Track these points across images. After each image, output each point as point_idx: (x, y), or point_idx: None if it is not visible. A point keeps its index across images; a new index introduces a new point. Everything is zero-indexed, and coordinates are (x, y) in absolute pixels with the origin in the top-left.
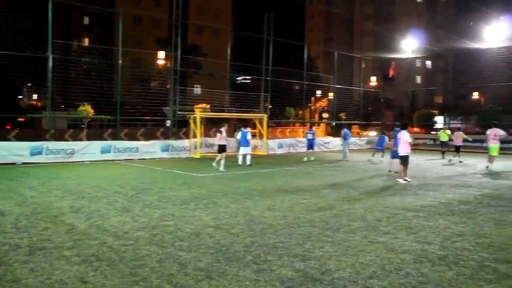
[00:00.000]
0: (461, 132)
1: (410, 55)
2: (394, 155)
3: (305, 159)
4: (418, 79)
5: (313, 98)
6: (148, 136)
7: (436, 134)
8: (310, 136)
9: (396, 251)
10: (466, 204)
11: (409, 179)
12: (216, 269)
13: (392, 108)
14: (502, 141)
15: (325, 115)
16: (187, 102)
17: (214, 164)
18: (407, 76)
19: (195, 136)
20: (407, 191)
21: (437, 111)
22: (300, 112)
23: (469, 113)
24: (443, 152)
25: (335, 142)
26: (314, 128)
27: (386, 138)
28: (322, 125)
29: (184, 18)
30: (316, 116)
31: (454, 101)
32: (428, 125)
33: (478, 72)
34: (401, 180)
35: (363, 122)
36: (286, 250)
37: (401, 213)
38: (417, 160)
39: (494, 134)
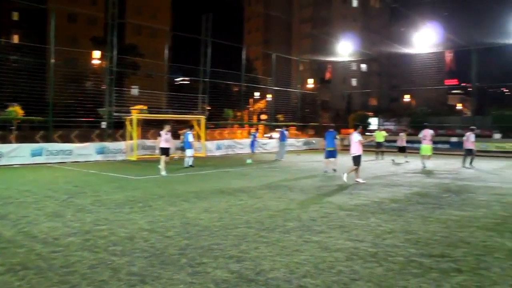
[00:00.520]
0: (403, 134)
1: (346, 59)
2: (329, 155)
3: (248, 160)
4: (354, 82)
5: (251, 100)
6: (83, 138)
7: (371, 135)
8: (253, 138)
9: (329, 250)
10: (396, 202)
11: (362, 181)
12: (150, 273)
13: (329, 110)
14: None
15: (263, 116)
16: (123, 103)
17: (159, 166)
18: (343, 78)
19: (131, 138)
20: (341, 191)
21: (371, 113)
22: (239, 113)
23: (401, 115)
24: (377, 153)
25: (273, 143)
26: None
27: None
28: (261, 127)
29: (121, 17)
30: (255, 117)
31: (387, 104)
32: (363, 127)
33: (409, 76)
34: (360, 180)
35: (300, 124)
36: (221, 251)
37: (335, 213)
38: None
39: (424, 135)
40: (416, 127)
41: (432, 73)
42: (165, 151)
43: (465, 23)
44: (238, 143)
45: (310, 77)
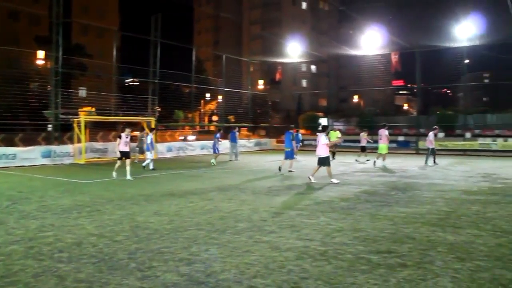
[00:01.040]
0: (364, 133)
1: (296, 60)
2: (288, 156)
3: (213, 161)
4: (304, 83)
5: (202, 101)
6: (28, 142)
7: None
8: (216, 139)
9: (279, 250)
10: (346, 201)
11: (336, 181)
12: (98, 279)
13: (280, 111)
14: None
15: (214, 118)
16: (71, 105)
17: (127, 169)
18: (293, 79)
19: (80, 141)
20: (292, 191)
21: (321, 114)
22: (190, 115)
23: (350, 115)
24: (333, 153)
25: (225, 144)
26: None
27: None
28: (212, 128)
29: (67, 16)
30: (206, 119)
31: (337, 104)
32: (313, 127)
33: (357, 77)
34: (334, 180)
35: (251, 125)
36: (171, 255)
37: (286, 212)
38: (304, 161)
39: (381, 135)
40: (364, 127)
41: (379, 74)
42: (124, 155)
43: (409, 26)
44: (189, 144)
45: (261, 78)
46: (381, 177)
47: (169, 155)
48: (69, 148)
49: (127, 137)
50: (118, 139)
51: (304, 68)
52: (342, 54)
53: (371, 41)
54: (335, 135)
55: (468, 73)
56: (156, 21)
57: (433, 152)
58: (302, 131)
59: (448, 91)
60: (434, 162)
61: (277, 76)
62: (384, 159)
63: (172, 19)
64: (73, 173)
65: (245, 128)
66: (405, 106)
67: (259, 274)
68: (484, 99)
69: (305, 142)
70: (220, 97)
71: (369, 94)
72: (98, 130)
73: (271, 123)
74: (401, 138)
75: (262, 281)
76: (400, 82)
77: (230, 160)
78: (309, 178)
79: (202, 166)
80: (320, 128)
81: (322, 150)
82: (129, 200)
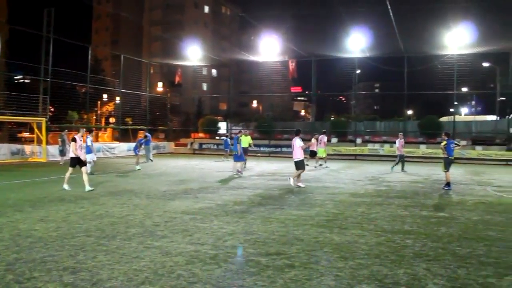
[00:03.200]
0: (313, 139)
1: (197, 63)
2: (237, 158)
3: (137, 167)
4: (205, 87)
5: (99, 102)
6: None
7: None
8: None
9: (170, 254)
10: (240, 204)
11: (302, 185)
12: None
13: (179, 114)
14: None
15: (111, 119)
16: None
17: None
18: (193, 83)
19: None
20: (187, 195)
21: (221, 117)
22: (85, 116)
23: (249, 120)
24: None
25: (122, 147)
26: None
27: (229, 141)
28: (109, 130)
29: None
30: (103, 120)
31: (237, 108)
32: (212, 131)
33: (257, 82)
34: (301, 184)
35: (150, 128)
36: (55, 263)
37: (179, 217)
38: (201, 165)
39: (320, 140)
40: (262, 132)
41: (278, 80)
42: (79, 161)
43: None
44: (84, 147)
45: (161, 81)
46: (276, 180)
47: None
48: None
49: (81, 140)
50: (73, 143)
51: (205, 72)
52: (243, 59)
53: (270, 48)
54: (247, 140)
55: (361, 83)
56: (49, 16)
57: (401, 159)
58: (201, 134)
59: (343, 99)
60: (403, 169)
61: (177, 79)
62: (325, 161)
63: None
64: None
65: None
66: (303, 112)
67: (148, 280)
68: (375, 107)
69: (204, 146)
70: (118, 98)
71: (268, 99)
72: None
73: (170, 126)
74: None
75: (151, 287)
76: (298, 89)
77: (145, 162)
78: (298, 186)
79: (96, 170)
80: (295, 132)
81: (298, 154)
82: (12, 207)
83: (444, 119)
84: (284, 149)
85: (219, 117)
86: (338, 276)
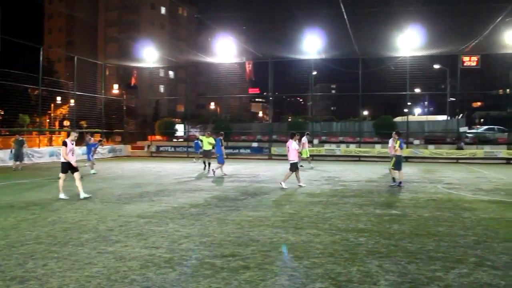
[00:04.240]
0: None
1: (153, 65)
2: (220, 160)
3: (92, 171)
4: (162, 89)
5: (52, 105)
6: None
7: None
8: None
9: (124, 259)
10: (196, 207)
11: (303, 184)
12: None
13: (136, 117)
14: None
15: (66, 123)
16: None
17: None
18: (150, 85)
19: None
20: (142, 199)
21: (178, 120)
22: (38, 119)
23: (207, 122)
24: (206, 163)
25: (76, 151)
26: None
27: (200, 143)
28: (63, 134)
29: None
30: (57, 124)
31: (194, 110)
32: (169, 133)
33: (215, 84)
34: (284, 185)
35: (105, 131)
36: (2, 273)
37: (134, 221)
38: (158, 167)
39: (303, 142)
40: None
41: (236, 82)
42: (71, 167)
43: (262, 37)
44: (35, 151)
45: (116, 83)
46: (233, 182)
47: (11, 162)
48: None
49: (73, 143)
50: (63, 147)
51: (162, 74)
52: (200, 61)
53: (227, 50)
54: (207, 141)
55: (318, 84)
56: None
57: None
58: (158, 137)
59: (300, 100)
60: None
61: (133, 81)
62: (309, 162)
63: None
64: None
65: (99, 134)
66: (260, 113)
67: (100, 286)
68: (332, 108)
69: (161, 149)
70: (72, 101)
71: (226, 101)
72: None
73: (127, 129)
74: (255, 144)
75: None
76: (256, 90)
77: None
78: (395, 183)
79: (49, 175)
80: (290, 135)
81: (293, 155)
82: None
83: (398, 119)
84: (242, 151)
85: (176, 119)
86: (292, 275)
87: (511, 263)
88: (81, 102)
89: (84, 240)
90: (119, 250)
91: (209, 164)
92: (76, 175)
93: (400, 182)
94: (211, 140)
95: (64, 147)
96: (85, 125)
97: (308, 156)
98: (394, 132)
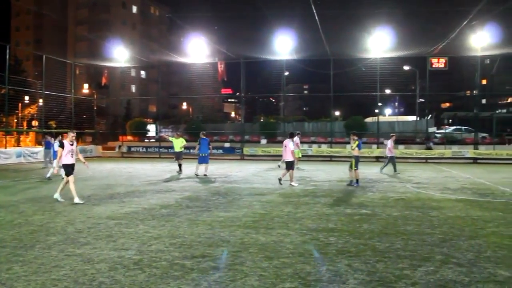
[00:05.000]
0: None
1: (125, 65)
2: (202, 160)
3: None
4: (133, 89)
5: (20, 105)
6: None
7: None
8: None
9: (92, 262)
10: (167, 208)
11: (295, 184)
12: None
13: (107, 117)
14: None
15: (34, 123)
16: None
17: (58, 192)
18: (121, 85)
19: None
20: (113, 200)
21: (150, 120)
22: (4, 119)
23: (179, 122)
24: (180, 165)
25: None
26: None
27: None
28: (32, 134)
29: None
30: (25, 124)
31: (166, 110)
32: (141, 133)
33: (187, 84)
34: (294, 183)
35: (76, 131)
36: None
37: (104, 222)
38: (129, 168)
39: (296, 142)
40: (191, 134)
41: (208, 82)
42: (71, 169)
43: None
44: (2, 152)
45: (87, 82)
46: (204, 183)
47: None
48: None
49: (71, 144)
50: (60, 149)
51: (133, 74)
52: (172, 61)
53: (199, 50)
54: (178, 143)
55: (290, 84)
56: None
57: (392, 160)
58: (129, 137)
59: (273, 100)
60: (395, 170)
61: (104, 81)
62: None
63: None
64: None
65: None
66: (233, 114)
67: None
68: (304, 108)
69: (132, 149)
70: (41, 100)
71: (198, 101)
72: None
73: (97, 129)
74: (227, 145)
75: None
76: (228, 90)
77: (44, 168)
78: (352, 182)
79: (16, 177)
80: (288, 135)
81: (289, 155)
82: None
83: (369, 119)
84: (214, 151)
85: (148, 120)
86: (262, 276)
87: (475, 260)
88: (50, 101)
89: (51, 242)
90: (87, 253)
91: (180, 165)
92: (71, 178)
93: (358, 181)
94: (183, 140)
95: (60, 149)
96: (54, 125)
97: (300, 156)
98: (352, 133)
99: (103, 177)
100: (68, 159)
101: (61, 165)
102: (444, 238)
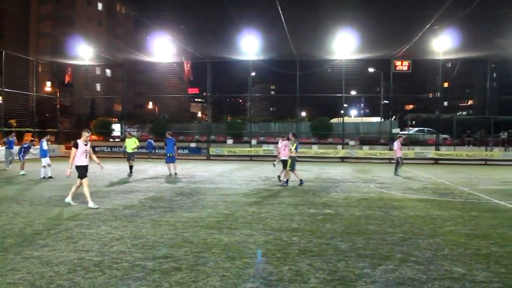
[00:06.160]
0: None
1: (89, 62)
2: (169, 160)
3: (22, 172)
4: (98, 87)
5: None
6: None
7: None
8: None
9: (51, 264)
10: (130, 208)
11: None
12: None
13: (71, 116)
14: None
15: None
16: None
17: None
18: (86, 83)
19: None
20: (74, 200)
21: (115, 119)
22: None
23: (145, 121)
24: (131, 167)
25: (4, 151)
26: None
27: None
28: None
29: None
30: None
31: (132, 110)
32: (105, 133)
33: (153, 83)
34: (284, 182)
35: (37, 130)
36: None
37: (64, 224)
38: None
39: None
40: (157, 134)
41: (174, 81)
42: (85, 171)
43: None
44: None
45: (50, 80)
46: (169, 183)
47: None
48: None
49: (86, 144)
50: (73, 149)
51: (98, 72)
52: (138, 59)
53: (165, 49)
54: (131, 143)
55: (257, 85)
56: None
57: (397, 162)
58: (94, 137)
59: (240, 100)
60: (396, 171)
61: (67, 79)
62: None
63: None
64: None
65: (30, 134)
66: (200, 114)
67: None
68: (271, 109)
69: (97, 149)
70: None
71: (164, 100)
72: None
73: (61, 129)
74: (193, 145)
75: None
76: (195, 90)
77: (6, 169)
78: (282, 181)
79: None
80: (286, 137)
81: (285, 154)
82: None
83: (334, 120)
84: (180, 151)
85: (113, 119)
86: (224, 276)
87: (433, 258)
88: (10, 99)
89: (7, 245)
90: (46, 255)
91: (131, 167)
92: (85, 181)
93: (287, 181)
94: (136, 141)
95: (74, 149)
96: (15, 124)
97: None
98: (290, 134)
99: (65, 178)
100: (82, 160)
101: (74, 166)
102: (404, 237)
